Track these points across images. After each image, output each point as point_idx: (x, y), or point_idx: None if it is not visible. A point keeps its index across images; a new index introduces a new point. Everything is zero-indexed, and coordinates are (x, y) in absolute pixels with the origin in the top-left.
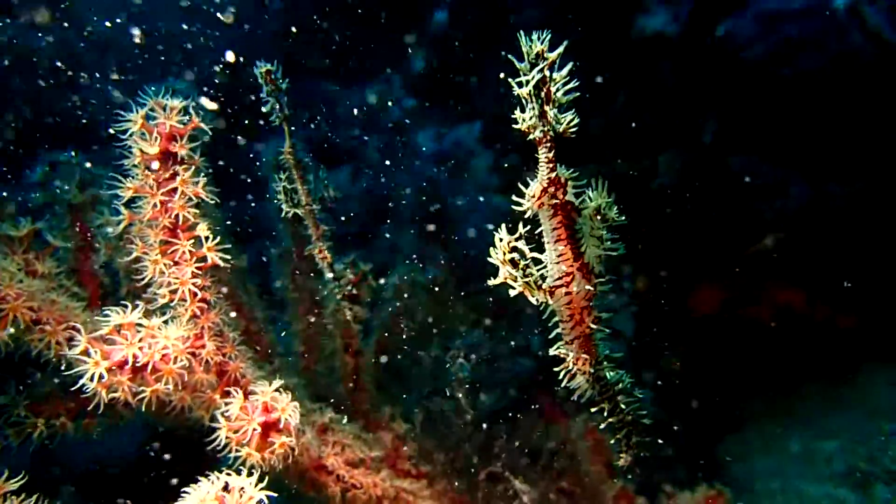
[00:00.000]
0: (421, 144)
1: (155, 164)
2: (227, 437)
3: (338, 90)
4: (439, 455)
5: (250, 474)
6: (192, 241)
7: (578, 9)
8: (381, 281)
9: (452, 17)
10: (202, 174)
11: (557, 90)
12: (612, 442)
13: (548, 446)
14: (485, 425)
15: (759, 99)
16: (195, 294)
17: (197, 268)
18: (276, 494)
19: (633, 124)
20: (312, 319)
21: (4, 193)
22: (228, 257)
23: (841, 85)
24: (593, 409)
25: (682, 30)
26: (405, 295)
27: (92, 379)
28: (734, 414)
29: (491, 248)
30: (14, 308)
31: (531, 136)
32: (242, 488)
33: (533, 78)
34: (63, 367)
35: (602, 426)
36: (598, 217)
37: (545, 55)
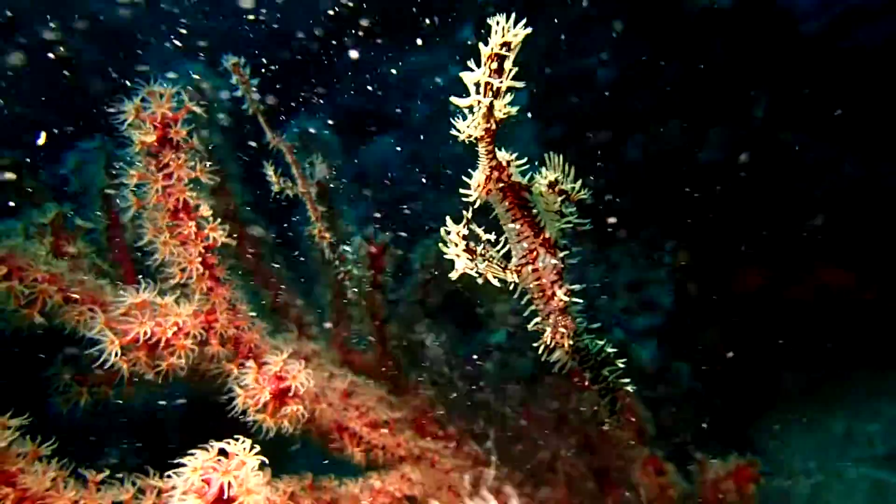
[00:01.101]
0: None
1: (154, 151)
2: (243, 404)
3: (385, 57)
4: (466, 418)
5: (257, 438)
6: (197, 222)
7: None
8: (410, 251)
9: None
10: (200, 156)
11: (506, 86)
12: (597, 408)
13: (578, 410)
14: (515, 390)
15: (814, 74)
16: (204, 271)
17: (205, 247)
18: (266, 460)
19: (683, 97)
20: (340, 290)
21: (43, 180)
22: (233, 238)
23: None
24: (575, 379)
25: (735, 2)
26: (434, 263)
27: (112, 355)
28: (774, 392)
29: (440, 245)
30: (43, 291)
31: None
32: (238, 456)
33: (482, 78)
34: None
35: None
36: (554, 193)
37: (502, 44)
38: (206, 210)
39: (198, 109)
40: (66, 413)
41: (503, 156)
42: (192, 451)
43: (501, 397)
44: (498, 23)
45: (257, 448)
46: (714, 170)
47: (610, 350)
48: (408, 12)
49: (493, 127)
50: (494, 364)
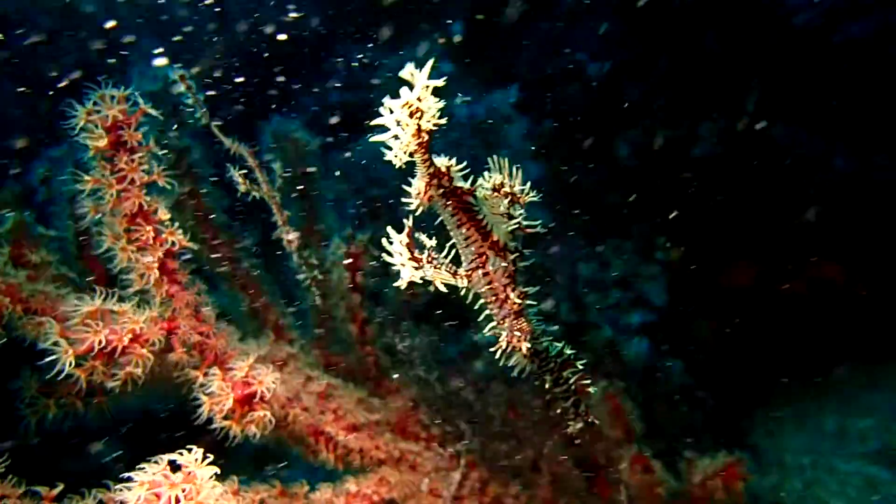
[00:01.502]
0: (455, 110)
1: (108, 156)
2: (208, 412)
3: (374, 55)
4: (449, 419)
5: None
6: (155, 227)
7: None
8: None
9: None
10: (157, 160)
11: (429, 107)
12: (560, 411)
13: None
14: (503, 389)
15: (806, 67)
16: (163, 277)
17: (165, 251)
18: (218, 471)
19: (674, 91)
20: (322, 293)
21: (11, 189)
22: (202, 243)
23: (889, 53)
24: (536, 383)
25: None
26: None
27: (66, 365)
28: (766, 388)
29: (384, 255)
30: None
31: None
32: (189, 469)
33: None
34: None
35: (547, 398)
36: (500, 195)
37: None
38: (164, 214)
39: (153, 112)
40: (34, 427)
41: (442, 161)
42: (142, 464)
43: (486, 397)
44: (412, 74)
45: (210, 458)
46: (706, 164)
47: (569, 351)
48: (397, 8)
49: (425, 139)
50: (483, 363)
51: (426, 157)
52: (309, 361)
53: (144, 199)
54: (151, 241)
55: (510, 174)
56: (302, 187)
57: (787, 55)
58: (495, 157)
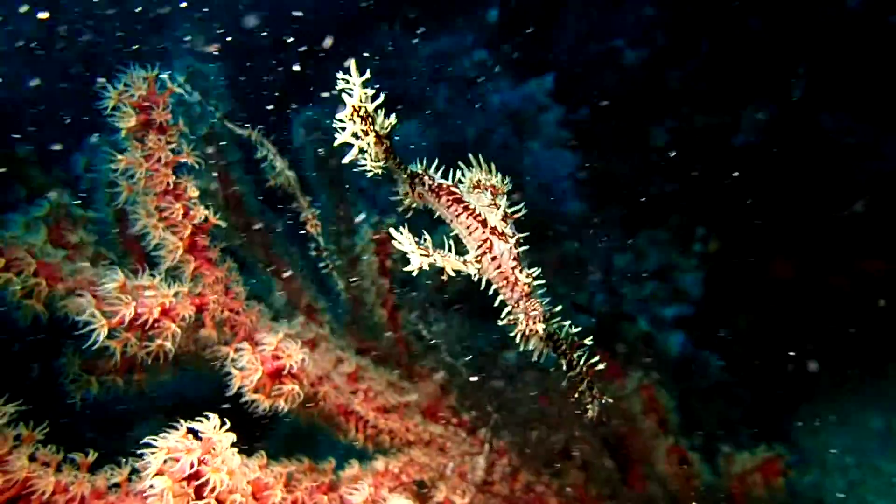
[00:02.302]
0: (491, 97)
1: (139, 135)
2: (238, 385)
3: (410, 41)
4: (484, 405)
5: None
6: (185, 204)
7: None
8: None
9: None
10: (187, 140)
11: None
12: (577, 396)
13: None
14: (533, 376)
15: (857, 51)
16: (193, 253)
17: (194, 228)
18: (234, 437)
19: (715, 77)
20: (353, 277)
21: (56, 175)
22: (223, 222)
23: None
24: (552, 370)
25: None
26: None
27: (100, 336)
28: (807, 384)
29: (396, 244)
30: (38, 282)
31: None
32: (208, 436)
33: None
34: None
35: (564, 383)
36: (481, 189)
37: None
38: (193, 192)
39: (182, 91)
40: (79, 401)
41: (416, 168)
42: (164, 432)
43: (517, 384)
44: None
45: (227, 425)
46: (748, 153)
47: (575, 331)
48: None
49: (386, 145)
50: (515, 352)
51: (398, 162)
52: (340, 344)
53: (172, 178)
54: (181, 218)
55: (489, 170)
56: (332, 175)
57: (837, 38)
58: (470, 155)
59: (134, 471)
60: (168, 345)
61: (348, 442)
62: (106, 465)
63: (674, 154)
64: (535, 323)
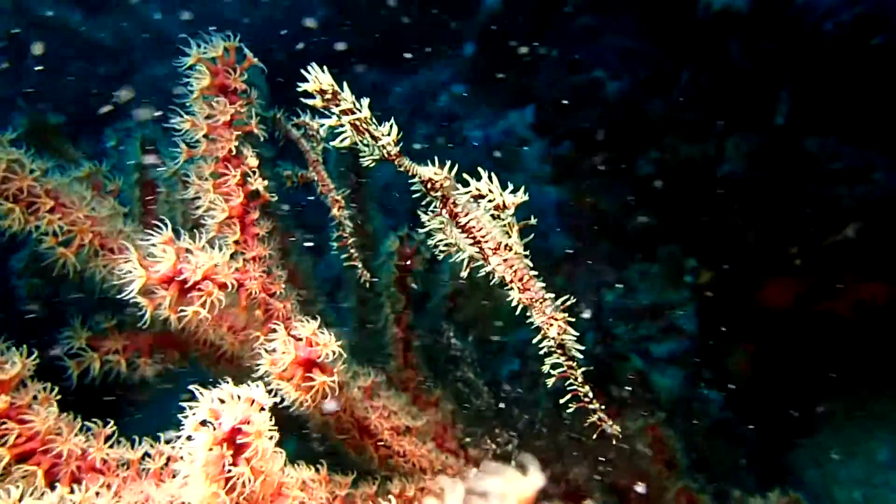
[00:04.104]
0: (470, 132)
1: (209, 98)
2: (267, 371)
3: (385, 77)
4: (487, 441)
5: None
6: (242, 174)
7: None
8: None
9: (506, 0)
10: (256, 113)
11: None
12: (589, 410)
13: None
14: (535, 418)
15: (839, 74)
16: (241, 226)
17: (246, 199)
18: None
19: (698, 107)
20: (366, 293)
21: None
22: (275, 196)
23: None
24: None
25: (752, 4)
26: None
27: (136, 287)
28: (811, 416)
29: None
30: (82, 230)
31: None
32: (253, 397)
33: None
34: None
35: (569, 397)
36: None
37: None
38: (253, 162)
39: (256, 61)
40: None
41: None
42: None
43: (530, 414)
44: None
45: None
46: (734, 182)
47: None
48: (410, 30)
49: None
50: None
51: (409, 165)
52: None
53: (235, 144)
54: (235, 188)
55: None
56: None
57: (817, 63)
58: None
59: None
60: (205, 312)
61: (358, 459)
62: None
63: (660, 185)
64: (558, 328)
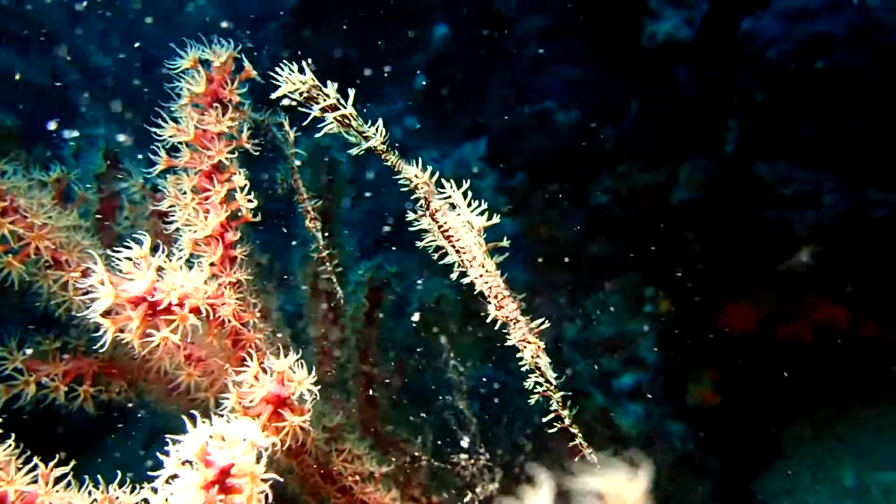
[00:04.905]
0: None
1: (203, 104)
2: (235, 407)
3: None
4: (451, 488)
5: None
6: (226, 190)
7: (584, 15)
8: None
9: (453, 31)
10: (247, 126)
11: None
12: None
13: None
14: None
15: (786, 99)
16: (219, 245)
17: (227, 218)
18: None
19: (648, 135)
20: (331, 327)
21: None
22: (258, 219)
23: (876, 79)
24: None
25: (696, 33)
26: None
27: (100, 306)
28: (777, 443)
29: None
30: (38, 237)
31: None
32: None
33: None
34: (72, 315)
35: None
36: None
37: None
38: (241, 180)
39: (255, 74)
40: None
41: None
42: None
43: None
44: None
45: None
46: (688, 209)
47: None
48: (359, 63)
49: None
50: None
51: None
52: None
53: (225, 157)
54: (217, 204)
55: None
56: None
57: (764, 88)
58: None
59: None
60: (176, 339)
61: None
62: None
63: (615, 214)
64: (534, 346)
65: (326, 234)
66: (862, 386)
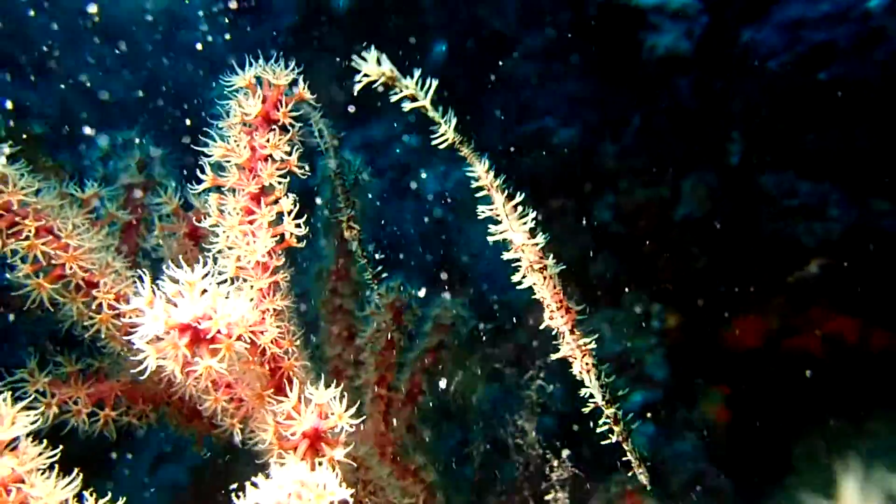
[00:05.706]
0: (425, 184)
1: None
2: (271, 441)
3: (338, 128)
4: None
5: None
6: (273, 213)
7: (583, 30)
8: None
9: (452, 50)
10: (297, 149)
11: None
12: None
13: None
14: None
15: (789, 110)
16: (264, 271)
17: (274, 244)
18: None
19: (651, 149)
20: (345, 346)
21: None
22: (303, 244)
23: (880, 89)
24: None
25: (696, 46)
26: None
27: (145, 335)
28: (790, 456)
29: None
30: (71, 258)
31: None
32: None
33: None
34: (100, 341)
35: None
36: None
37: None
38: (288, 203)
39: (309, 96)
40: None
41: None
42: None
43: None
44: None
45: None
46: (693, 224)
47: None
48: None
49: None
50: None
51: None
52: None
53: (275, 179)
54: (264, 228)
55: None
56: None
57: (766, 100)
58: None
59: None
60: (222, 367)
61: None
62: None
63: (619, 230)
64: (588, 361)
65: (339, 256)
66: (875, 399)
